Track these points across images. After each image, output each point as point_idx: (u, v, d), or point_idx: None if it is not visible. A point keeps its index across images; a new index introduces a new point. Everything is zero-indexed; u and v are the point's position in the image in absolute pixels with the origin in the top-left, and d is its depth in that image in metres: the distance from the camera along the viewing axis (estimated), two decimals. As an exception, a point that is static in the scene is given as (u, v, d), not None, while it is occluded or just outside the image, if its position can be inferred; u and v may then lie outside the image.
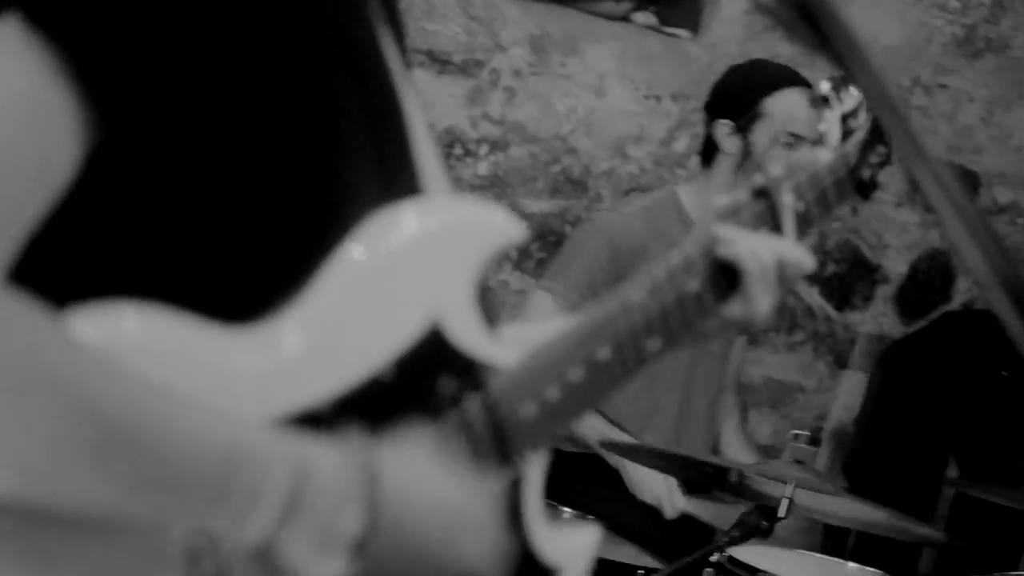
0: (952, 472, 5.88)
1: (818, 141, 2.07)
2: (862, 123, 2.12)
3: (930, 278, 6.51)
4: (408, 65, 1.72)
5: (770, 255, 1.85)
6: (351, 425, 1.44)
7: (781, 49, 5.91)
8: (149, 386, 1.30)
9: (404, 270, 1.50)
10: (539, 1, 5.73)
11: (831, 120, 2.08)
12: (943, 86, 6.39)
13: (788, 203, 1.92)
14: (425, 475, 1.44)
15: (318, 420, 1.42)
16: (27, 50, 1.25)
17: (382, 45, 1.61)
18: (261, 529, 1.31)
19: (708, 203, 1.96)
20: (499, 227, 1.56)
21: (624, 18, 5.89)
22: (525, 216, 5.82)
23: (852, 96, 2.10)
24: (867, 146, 2.11)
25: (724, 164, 4.44)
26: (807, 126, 4.29)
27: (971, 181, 6.47)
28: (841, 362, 6.47)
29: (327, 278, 1.45)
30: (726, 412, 4.78)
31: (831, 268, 6.40)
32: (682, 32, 5.93)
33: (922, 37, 6.31)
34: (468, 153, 5.75)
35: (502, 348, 1.61)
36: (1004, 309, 1.14)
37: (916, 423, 5.87)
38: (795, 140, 4.28)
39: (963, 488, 5.18)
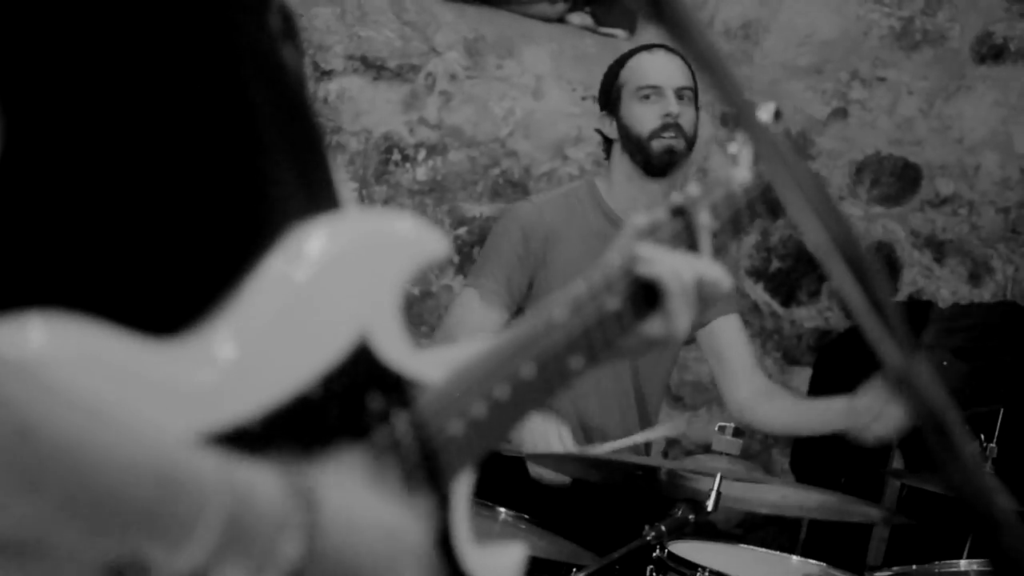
0: (897, 463, 5.88)
1: (734, 161, 2.09)
2: None
3: (876, 271, 6.51)
4: (307, 79, 1.70)
5: (690, 274, 1.87)
6: (280, 441, 1.41)
7: (716, 45, 5.92)
8: (81, 405, 1.25)
9: (332, 284, 1.47)
10: (473, 3, 5.72)
11: (742, 141, 2.10)
12: (882, 79, 6.41)
13: (705, 222, 1.93)
14: (361, 499, 1.41)
15: (247, 436, 1.39)
16: None
17: (284, 55, 1.58)
18: (197, 554, 1.26)
19: (616, 195, 1.98)
20: (424, 241, 1.54)
21: (560, 19, 5.89)
22: (466, 220, 5.81)
23: (762, 118, 2.13)
24: None
25: (616, 150, 4.49)
26: (659, 76, 4.38)
27: (913, 173, 6.51)
28: (789, 358, 6.47)
29: (254, 290, 1.42)
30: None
31: (775, 264, 6.41)
32: (618, 32, 5.93)
33: (859, 30, 6.33)
34: (406, 159, 5.73)
35: (428, 365, 1.60)
36: (844, 281, 1.14)
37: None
38: (651, 91, 4.33)
39: (907, 480, 5.18)
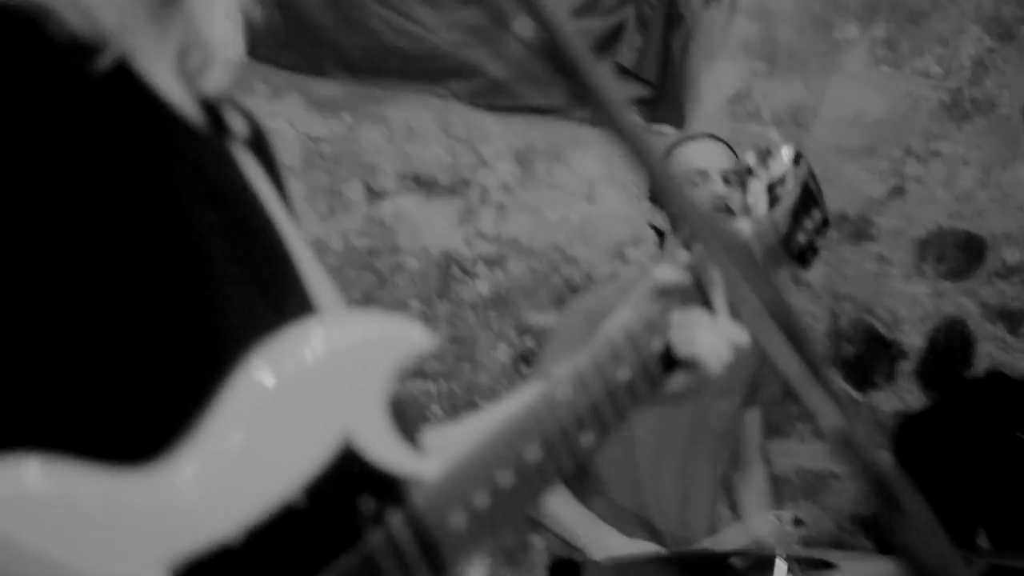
0: (983, 542, 5.74)
1: (744, 212, 2.05)
2: (790, 190, 2.12)
3: (949, 348, 6.41)
4: (285, 196, 1.71)
5: (727, 349, 1.85)
6: (268, 557, 1.38)
7: (766, 134, 5.89)
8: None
9: (307, 390, 1.44)
10: (519, 113, 5.72)
11: (756, 190, 2.06)
12: (936, 153, 6.34)
13: (717, 280, 1.89)
14: None
15: (230, 554, 1.36)
16: None
17: (246, 177, 1.60)
18: None
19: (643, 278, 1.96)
20: (407, 337, 1.52)
21: (607, 122, 5.86)
22: (531, 330, 5.76)
23: (778, 164, 2.11)
24: (798, 212, 2.12)
25: (668, 240, 4.46)
26: (704, 160, 4.36)
27: (977, 245, 6.42)
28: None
29: (224, 406, 1.39)
30: (749, 486, 4.71)
31: (848, 349, 6.31)
32: (667, 128, 5.91)
33: (908, 106, 6.28)
34: (467, 273, 5.71)
35: (423, 459, 1.54)
36: (779, 347, 1.10)
37: (941, 495, 5.74)
38: (698, 177, 4.31)
39: (995, 559, 5.04)
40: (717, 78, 6.00)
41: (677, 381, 1.85)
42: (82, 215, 1.34)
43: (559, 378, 1.72)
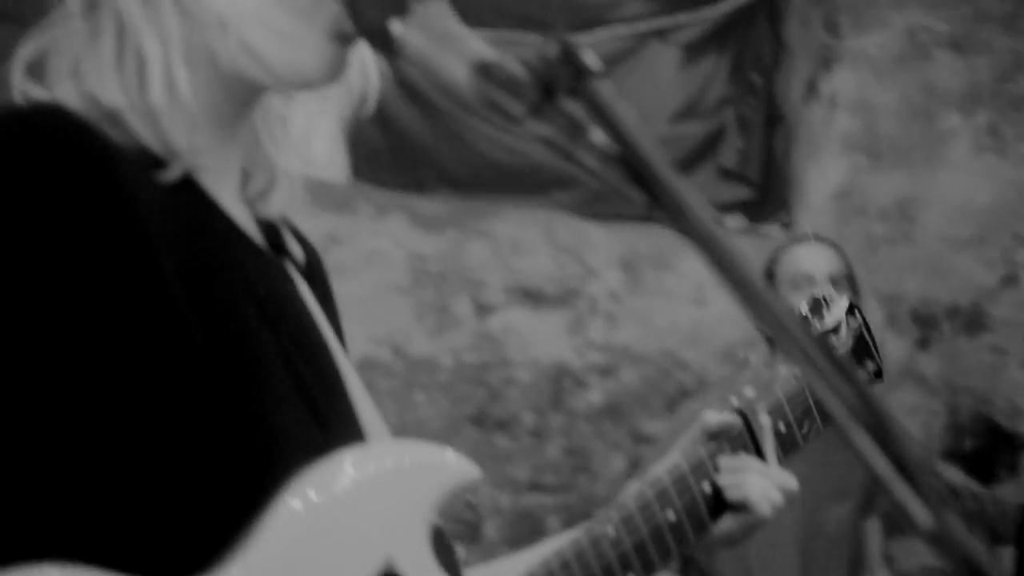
0: None
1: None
2: (844, 340, 2.12)
3: (1072, 437, 6.29)
4: (336, 321, 1.70)
5: (778, 495, 1.86)
6: None
7: (873, 228, 5.85)
8: None
9: (350, 518, 1.43)
10: (624, 220, 5.71)
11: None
12: (1048, 239, 6.26)
13: (766, 424, 1.92)
14: None
15: None
16: None
17: (302, 299, 1.59)
18: None
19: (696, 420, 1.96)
20: (450, 467, 1.50)
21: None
22: (646, 438, 5.71)
23: (833, 315, 2.11)
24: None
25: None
26: (810, 264, 4.35)
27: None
28: (997, 538, 6.21)
29: (268, 529, 1.38)
30: None
31: (969, 443, 6.20)
32: (773, 229, 5.87)
33: (1016, 193, 6.20)
34: (579, 384, 5.68)
35: None
36: (866, 445, 1.09)
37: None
38: (803, 280, 4.27)
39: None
40: (821, 175, 5.97)
41: (727, 524, 1.86)
42: (140, 322, 1.34)
43: (606, 517, 1.73)
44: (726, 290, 1.14)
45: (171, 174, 1.42)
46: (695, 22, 5.72)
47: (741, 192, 5.79)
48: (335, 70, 1.49)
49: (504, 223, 5.63)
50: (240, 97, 1.51)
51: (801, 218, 5.87)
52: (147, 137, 1.42)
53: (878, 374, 2.17)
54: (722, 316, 5.81)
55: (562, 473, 5.68)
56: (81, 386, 1.32)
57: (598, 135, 1.23)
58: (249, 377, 1.42)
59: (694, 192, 1.19)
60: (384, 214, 5.47)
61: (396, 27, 1.37)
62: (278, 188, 1.62)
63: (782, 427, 1.94)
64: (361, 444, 1.54)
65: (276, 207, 1.62)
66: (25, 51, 1.46)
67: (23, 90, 1.44)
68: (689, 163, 5.72)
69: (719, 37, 5.81)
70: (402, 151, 5.39)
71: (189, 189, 1.45)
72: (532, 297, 5.64)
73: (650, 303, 5.76)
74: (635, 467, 5.67)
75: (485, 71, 1.30)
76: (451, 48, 1.34)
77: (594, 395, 5.70)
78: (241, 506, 1.38)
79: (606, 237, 5.72)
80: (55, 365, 1.30)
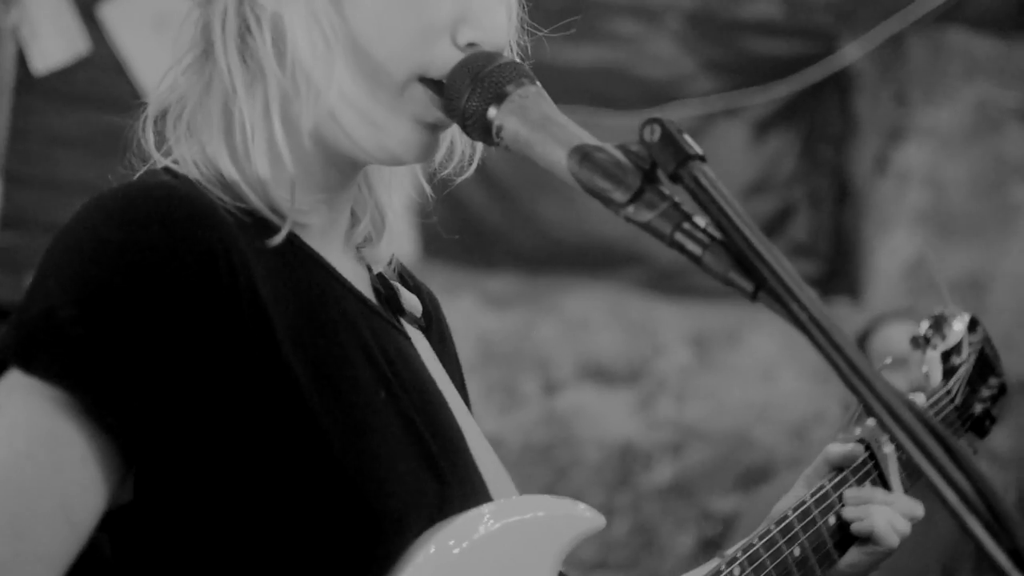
0: None
1: (920, 383, 2.03)
2: (965, 358, 2.08)
3: None
4: (457, 370, 1.72)
5: (906, 525, 1.84)
6: None
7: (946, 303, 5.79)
8: None
9: (488, 565, 1.47)
10: (692, 297, 5.69)
11: (932, 359, 2.05)
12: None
13: (890, 453, 1.88)
14: None
15: None
16: (35, 398, 1.29)
17: (418, 353, 1.61)
18: None
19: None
20: (577, 516, 1.53)
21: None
22: (715, 516, 5.68)
23: (954, 333, 2.08)
24: (974, 381, 2.07)
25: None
26: (901, 346, 4.22)
27: None
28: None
29: (411, 571, 1.41)
30: None
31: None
32: (842, 300, 5.85)
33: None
34: (647, 462, 5.65)
35: None
36: (983, 536, 1.08)
37: None
38: (894, 363, 4.20)
39: None
40: (891, 249, 5.93)
41: (853, 557, 1.84)
42: (253, 388, 1.35)
43: (730, 556, 1.71)
44: (834, 374, 1.13)
45: (277, 238, 1.43)
46: (764, 98, 5.70)
47: (811, 267, 5.76)
48: (424, 153, 1.51)
49: (573, 301, 5.62)
50: (341, 166, 1.53)
51: (871, 293, 5.83)
52: (253, 200, 1.44)
53: (1002, 390, 2.12)
54: (791, 394, 5.78)
55: (630, 550, 5.64)
56: (195, 451, 1.34)
57: (701, 220, 1.24)
58: (363, 433, 1.43)
59: (798, 276, 1.19)
60: (453, 292, 5.47)
61: (493, 113, 1.40)
62: (387, 232, 1.64)
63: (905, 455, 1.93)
64: (482, 497, 1.56)
65: (385, 252, 1.65)
66: (151, 109, 1.52)
67: (154, 159, 1.48)
68: (759, 239, 5.70)
69: (788, 113, 5.80)
70: (472, 229, 5.40)
71: (297, 250, 1.48)
72: (600, 375, 5.62)
73: (719, 380, 5.74)
74: (705, 544, 5.64)
75: (585, 157, 1.32)
76: (550, 133, 1.36)
77: (662, 473, 5.67)
78: (360, 560, 1.40)
79: (675, 314, 5.70)
80: (170, 427, 1.32)
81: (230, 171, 1.44)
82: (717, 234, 1.23)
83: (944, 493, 1.09)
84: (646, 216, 1.27)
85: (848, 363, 1.13)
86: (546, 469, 5.57)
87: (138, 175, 1.46)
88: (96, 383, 1.29)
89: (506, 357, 5.57)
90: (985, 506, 1.08)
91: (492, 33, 1.48)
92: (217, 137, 1.46)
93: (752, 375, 5.77)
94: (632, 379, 5.66)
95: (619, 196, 1.28)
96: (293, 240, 1.47)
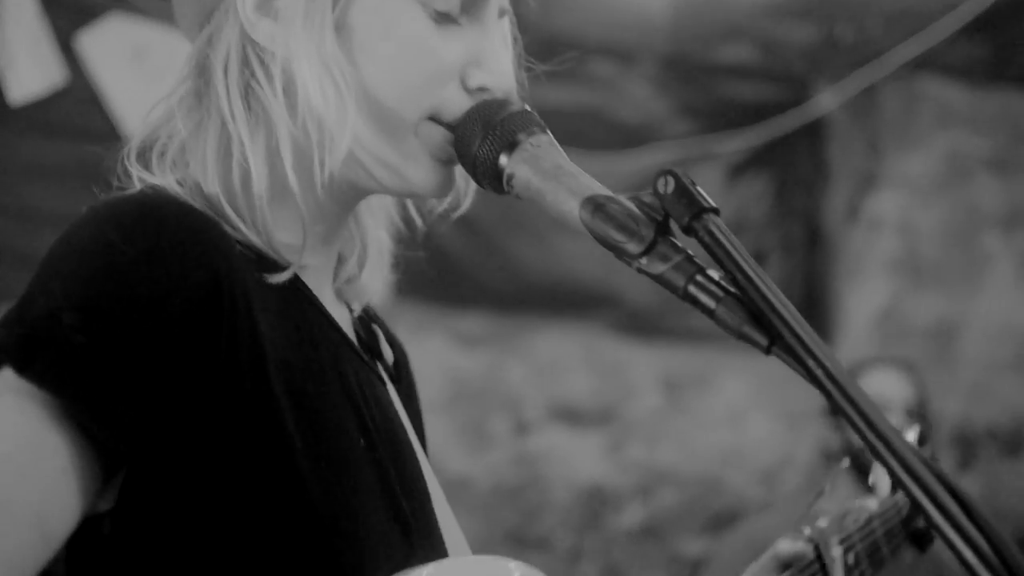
0: None
1: (870, 490, 2.04)
2: None
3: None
4: (419, 422, 1.73)
5: None
6: None
7: (914, 350, 5.81)
8: None
9: None
10: (663, 340, 5.69)
11: (878, 470, 2.04)
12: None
13: (837, 557, 1.88)
14: None
15: None
16: (25, 401, 1.28)
17: (392, 403, 1.60)
18: None
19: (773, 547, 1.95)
20: None
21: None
22: (684, 559, 5.66)
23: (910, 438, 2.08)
24: None
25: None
26: (889, 391, 4.26)
27: None
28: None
29: None
30: None
31: (1010, 567, 6.11)
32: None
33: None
34: (616, 504, 5.64)
35: None
36: None
37: None
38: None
39: None
40: (862, 296, 5.95)
41: None
42: (242, 417, 1.35)
43: None
44: (856, 436, 1.13)
45: (281, 276, 1.44)
46: (738, 144, 5.73)
47: (782, 313, 5.78)
48: (443, 188, 1.52)
49: (544, 341, 5.62)
50: (345, 201, 1.54)
51: (842, 340, 5.85)
52: (255, 240, 1.44)
53: None
54: (760, 438, 5.79)
55: (598, 593, 5.64)
56: (174, 473, 1.33)
57: (714, 273, 1.26)
58: (340, 481, 1.42)
59: (814, 332, 1.21)
60: (423, 330, 5.46)
61: (505, 161, 1.41)
62: (370, 268, 1.65)
63: (851, 559, 1.91)
64: (443, 553, 1.55)
65: (366, 289, 1.65)
66: (135, 141, 1.49)
67: (140, 177, 1.46)
68: (730, 284, 5.72)
69: (762, 158, 5.82)
70: (443, 267, 5.38)
71: (293, 286, 1.47)
72: (571, 416, 5.62)
73: (689, 423, 5.74)
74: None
75: (598, 208, 1.32)
76: (562, 183, 1.37)
77: (631, 516, 5.66)
78: None
79: (646, 356, 5.70)
80: (155, 446, 1.31)
81: (228, 210, 1.44)
82: (730, 287, 1.24)
83: (961, 551, 1.09)
84: (659, 268, 1.28)
85: (865, 420, 1.14)
86: (515, 510, 5.56)
87: (143, 187, 1.44)
88: (90, 394, 1.27)
89: (476, 397, 5.56)
90: (1002, 563, 1.08)
91: (501, 77, 1.50)
92: (212, 174, 1.46)
93: (722, 419, 5.78)
94: (602, 421, 5.66)
95: (632, 248, 1.29)
96: (292, 279, 1.47)
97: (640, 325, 5.63)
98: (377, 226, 1.67)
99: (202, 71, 1.50)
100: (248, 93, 1.48)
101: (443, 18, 1.48)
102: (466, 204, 1.62)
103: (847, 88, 5.79)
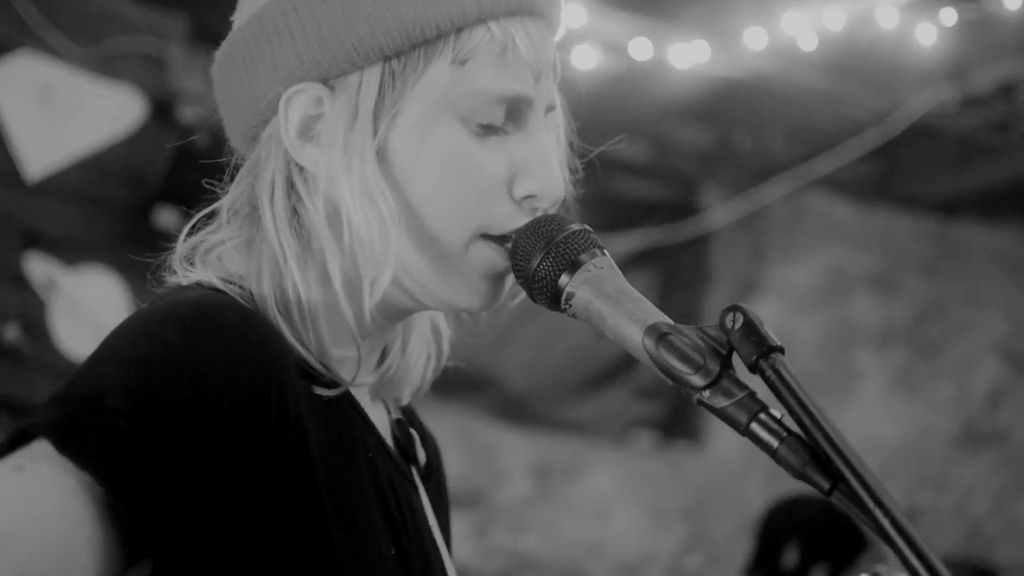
0: None
1: None
2: None
3: None
4: (447, 521, 1.72)
5: None
6: None
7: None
8: None
9: None
10: (538, 428, 5.71)
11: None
12: (949, 482, 6.32)
13: None
14: None
15: None
16: (59, 473, 1.26)
17: (424, 507, 1.60)
18: None
19: None
20: None
21: (627, 441, 5.87)
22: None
23: None
24: None
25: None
26: None
27: (989, 576, 6.34)
28: None
29: None
30: None
31: None
32: (683, 448, 5.90)
33: (923, 435, 6.28)
34: (479, 588, 5.62)
35: None
36: None
37: None
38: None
39: None
40: (734, 400, 6.00)
41: None
42: (286, 521, 1.34)
43: None
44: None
45: (333, 392, 1.43)
46: (626, 243, 5.78)
47: (654, 410, 5.82)
48: (492, 302, 1.52)
49: (419, 420, 5.60)
50: (397, 314, 1.55)
51: (712, 438, 5.90)
52: (309, 358, 1.43)
53: None
54: (624, 532, 5.80)
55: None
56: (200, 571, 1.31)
57: (776, 412, 1.27)
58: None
59: (879, 479, 1.21)
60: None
61: (565, 281, 1.41)
62: (408, 368, 1.65)
63: None
64: None
65: (405, 390, 1.66)
66: (183, 243, 1.51)
67: (186, 274, 1.48)
68: (606, 379, 5.75)
69: (647, 257, 5.88)
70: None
71: (343, 402, 1.46)
72: (440, 497, 5.60)
73: (556, 512, 5.74)
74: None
75: (662, 337, 1.33)
76: (624, 309, 1.37)
77: (494, 601, 5.64)
78: None
79: (519, 443, 5.71)
80: (183, 543, 1.29)
81: (283, 322, 1.43)
82: (792, 428, 1.26)
83: None
84: (722, 403, 1.29)
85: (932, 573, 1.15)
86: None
87: (205, 287, 1.45)
88: (122, 478, 1.26)
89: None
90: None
91: (548, 184, 1.49)
92: (268, 286, 1.45)
93: (589, 510, 5.79)
94: (471, 504, 5.64)
95: (697, 381, 1.30)
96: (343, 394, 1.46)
97: (515, 411, 5.65)
98: (423, 322, 1.67)
99: (250, 196, 1.50)
100: (295, 216, 1.47)
101: (486, 130, 1.47)
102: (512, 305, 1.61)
103: (736, 208, 5.87)
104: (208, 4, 4.48)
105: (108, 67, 4.53)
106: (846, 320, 6.23)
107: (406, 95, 1.46)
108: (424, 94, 1.46)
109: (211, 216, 1.54)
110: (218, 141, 1.59)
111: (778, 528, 4.36)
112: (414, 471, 1.63)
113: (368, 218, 1.44)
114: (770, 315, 6.14)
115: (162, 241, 1.52)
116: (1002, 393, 6.38)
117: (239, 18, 1.54)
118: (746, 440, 1.31)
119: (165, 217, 4.64)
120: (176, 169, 4.55)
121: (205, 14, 4.67)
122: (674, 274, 6.07)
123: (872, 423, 6.20)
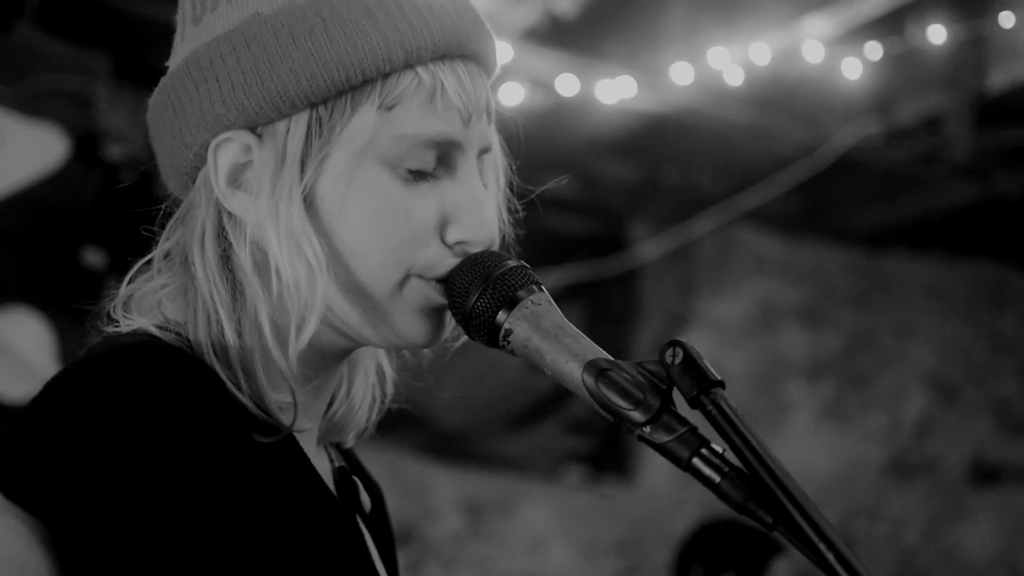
0: None
1: None
2: None
3: None
4: (394, 563, 1.69)
5: None
6: None
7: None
8: None
9: None
10: (469, 465, 5.69)
11: None
12: (880, 513, 6.35)
13: None
14: None
15: None
16: (9, 515, 1.26)
17: (369, 553, 1.57)
18: None
19: None
20: None
21: (558, 475, 5.86)
22: None
23: None
24: None
25: None
26: None
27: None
28: None
29: None
30: None
31: None
32: (615, 482, 5.90)
33: (853, 465, 6.31)
34: (409, 627, 5.58)
35: None
36: None
37: None
38: None
39: None
40: (666, 434, 6.02)
41: None
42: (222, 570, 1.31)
43: None
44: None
45: (273, 438, 1.41)
46: (555, 277, 5.78)
47: (585, 444, 5.82)
48: (435, 336, 1.50)
49: (349, 458, 5.57)
50: (336, 354, 1.53)
51: (642, 472, 5.90)
52: (247, 403, 1.41)
53: None
54: (558, 568, 5.78)
55: None
56: None
57: (717, 447, 1.27)
58: None
59: (823, 514, 1.22)
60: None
61: (503, 318, 1.41)
62: (353, 411, 1.64)
63: None
64: None
65: (350, 433, 1.65)
66: (122, 292, 1.49)
67: (126, 322, 1.46)
68: (537, 414, 5.74)
69: (574, 290, 5.88)
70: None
71: (282, 443, 1.44)
72: (371, 536, 5.56)
73: (489, 549, 5.72)
74: None
75: (602, 373, 1.33)
76: (563, 344, 1.37)
77: (424, 640, 5.61)
78: None
79: (450, 480, 5.68)
80: None
81: (220, 367, 1.41)
82: (735, 463, 1.26)
83: None
84: (663, 438, 1.30)
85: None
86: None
87: (141, 335, 1.44)
88: (68, 519, 1.27)
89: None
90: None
91: (479, 231, 1.48)
92: (203, 332, 1.44)
93: (522, 545, 5.77)
94: (402, 542, 5.61)
95: (638, 416, 1.31)
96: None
97: (445, 447, 5.63)
98: (367, 375, 1.66)
99: (183, 243, 1.49)
100: (227, 263, 1.46)
101: (416, 175, 1.46)
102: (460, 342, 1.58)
103: (665, 243, 5.90)
104: (132, 42, 4.45)
105: (32, 105, 4.50)
106: (776, 352, 6.26)
107: (333, 141, 1.45)
108: (351, 140, 1.45)
109: (149, 262, 1.52)
110: (145, 179, 1.57)
111: (684, 555, 4.44)
112: (359, 519, 1.60)
113: (295, 266, 1.42)
114: (700, 348, 6.12)
115: (90, 281, 1.51)
116: (931, 423, 6.43)
117: (172, 62, 1.52)
118: (678, 472, 1.31)
119: (92, 256, 4.59)
120: (102, 207, 4.51)
121: (129, 52, 4.63)
122: (603, 309, 6.08)
123: (804, 454, 6.23)
